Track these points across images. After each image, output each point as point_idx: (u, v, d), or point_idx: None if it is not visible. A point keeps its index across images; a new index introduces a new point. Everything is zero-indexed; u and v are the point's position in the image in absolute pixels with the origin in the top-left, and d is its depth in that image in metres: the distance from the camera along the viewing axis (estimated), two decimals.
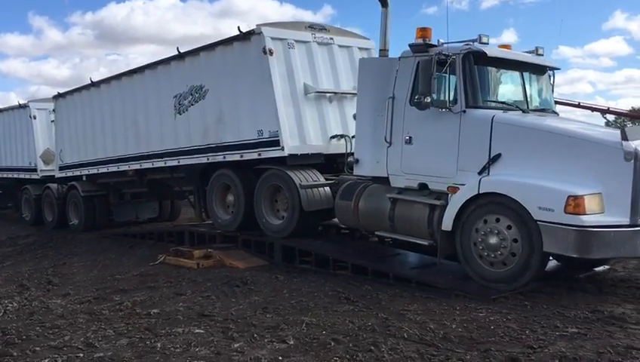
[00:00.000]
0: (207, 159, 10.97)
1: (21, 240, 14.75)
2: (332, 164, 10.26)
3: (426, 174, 7.95)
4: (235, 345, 5.48)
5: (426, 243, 8.01)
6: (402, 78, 8.09)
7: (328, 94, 10.27)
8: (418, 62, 7.72)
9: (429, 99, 7.54)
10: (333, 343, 5.43)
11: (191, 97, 11.18)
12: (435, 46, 7.82)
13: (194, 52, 11.17)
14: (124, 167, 13.52)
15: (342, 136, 10.11)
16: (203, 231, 11.77)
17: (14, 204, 19.72)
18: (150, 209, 16.04)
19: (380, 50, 8.81)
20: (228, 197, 10.91)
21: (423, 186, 8.01)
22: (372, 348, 5.25)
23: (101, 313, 6.91)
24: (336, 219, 9.75)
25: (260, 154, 9.90)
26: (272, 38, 9.64)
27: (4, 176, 19.25)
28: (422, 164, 7.97)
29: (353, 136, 9.65)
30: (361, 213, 8.84)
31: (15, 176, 18.59)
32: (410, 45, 8.03)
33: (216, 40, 10.76)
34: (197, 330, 6.01)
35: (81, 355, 5.34)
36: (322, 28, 10.53)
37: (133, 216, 15.73)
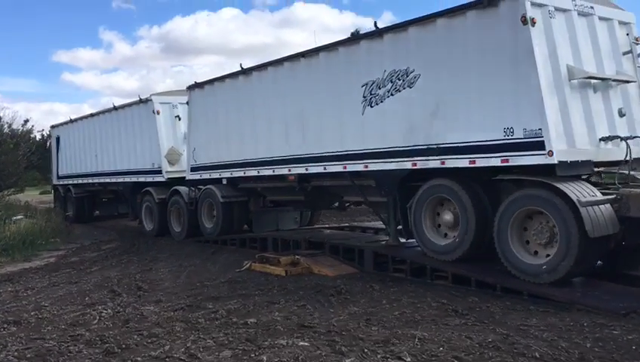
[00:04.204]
0: (414, 164, 8.75)
1: (104, 245, 14.93)
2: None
3: None
4: (347, 361, 5.08)
5: None
6: None
7: (594, 81, 7.91)
8: None
9: None
10: (455, 361, 4.93)
11: (390, 85, 9.03)
12: None
13: (399, 27, 9.02)
14: (281, 171, 11.34)
15: (613, 137, 7.80)
16: (287, 237, 11.52)
17: (132, 211, 17.40)
18: (292, 219, 13.88)
19: None
20: (443, 215, 8.60)
21: None
22: None
23: (197, 321, 6.66)
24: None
25: (506, 160, 7.56)
26: (532, 4, 7.43)
27: (120, 180, 17.33)
28: None
29: (626, 138, 7.78)
30: None
31: (134, 179, 16.56)
32: None
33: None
34: (301, 343, 5.64)
35: None
36: None
37: (274, 226, 13.61)
